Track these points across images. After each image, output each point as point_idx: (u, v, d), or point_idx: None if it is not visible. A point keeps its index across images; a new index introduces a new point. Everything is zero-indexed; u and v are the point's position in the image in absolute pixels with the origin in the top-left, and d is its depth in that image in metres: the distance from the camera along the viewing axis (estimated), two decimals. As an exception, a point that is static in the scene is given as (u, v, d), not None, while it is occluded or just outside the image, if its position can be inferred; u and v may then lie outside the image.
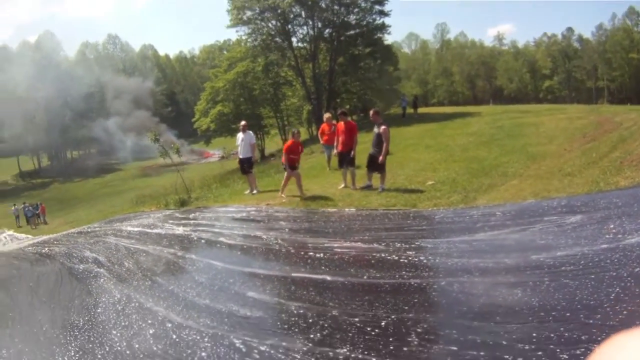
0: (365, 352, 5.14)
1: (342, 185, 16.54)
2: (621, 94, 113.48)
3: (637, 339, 0.82)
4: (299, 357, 5.22)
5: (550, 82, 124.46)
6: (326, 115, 22.06)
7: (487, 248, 8.21)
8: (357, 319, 5.94)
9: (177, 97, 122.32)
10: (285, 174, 16.36)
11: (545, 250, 7.55)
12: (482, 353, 4.80)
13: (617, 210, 9.33)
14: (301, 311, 6.45)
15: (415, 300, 6.39)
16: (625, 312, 5.23)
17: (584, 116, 31.28)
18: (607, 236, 7.82)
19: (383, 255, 8.44)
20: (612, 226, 8.27)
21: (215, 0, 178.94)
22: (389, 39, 68.99)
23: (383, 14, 59.05)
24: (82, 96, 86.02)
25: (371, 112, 16.86)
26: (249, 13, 56.50)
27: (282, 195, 16.39)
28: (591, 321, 5.16)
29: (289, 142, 16.38)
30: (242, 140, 18.57)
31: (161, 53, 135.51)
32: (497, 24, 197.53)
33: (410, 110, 53.55)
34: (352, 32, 58.30)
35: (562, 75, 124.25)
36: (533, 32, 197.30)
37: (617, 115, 28.36)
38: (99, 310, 7.67)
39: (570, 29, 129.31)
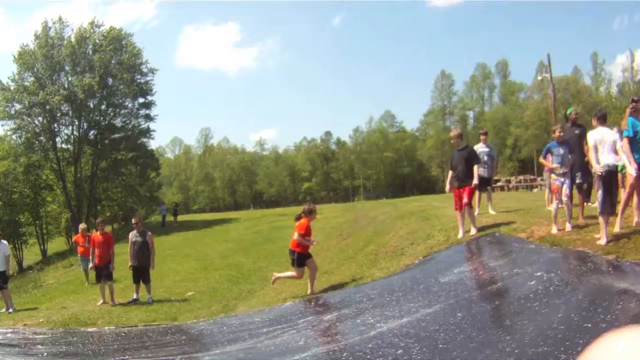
0: None
1: (101, 302, 15.86)
2: (377, 190, 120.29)
3: (624, 339, 0.86)
4: None
5: (309, 184, 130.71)
6: (81, 226, 21.52)
7: (245, 357, 8.27)
8: None
9: None
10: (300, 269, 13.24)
11: (301, 351, 7.74)
12: None
13: (370, 303, 9.76)
14: None
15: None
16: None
17: (340, 215, 32.57)
18: (360, 328, 8.17)
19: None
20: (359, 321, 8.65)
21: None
22: (152, 144, 68.80)
23: (149, 118, 59.72)
24: None
25: (135, 220, 16.82)
26: (17, 106, 54.04)
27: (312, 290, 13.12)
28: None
29: (305, 220, 13.38)
30: (-5, 252, 17.38)
31: None
32: (260, 129, 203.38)
33: (170, 218, 53.35)
34: (117, 135, 57.76)
35: (320, 176, 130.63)
36: (294, 136, 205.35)
37: (372, 211, 29.75)
38: None
39: (328, 133, 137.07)
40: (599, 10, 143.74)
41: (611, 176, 11.17)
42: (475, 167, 14.08)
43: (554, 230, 12.05)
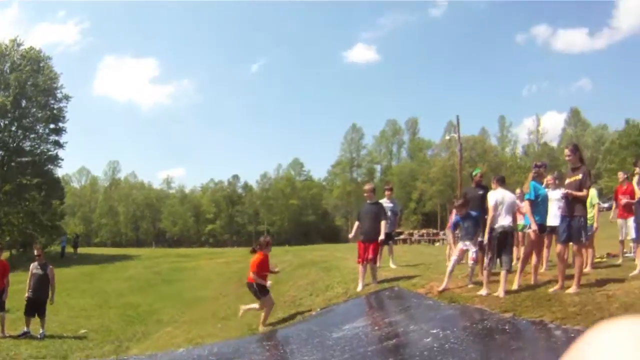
0: None
1: (-10, 331, 15.19)
2: (280, 237, 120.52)
3: (613, 330, 0.83)
4: None
5: (213, 226, 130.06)
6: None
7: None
8: None
9: None
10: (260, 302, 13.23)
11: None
12: None
13: (264, 355, 9.64)
14: None
15: None
16: None
17: (242, 260, 32.20)
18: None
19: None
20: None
21: None
22: (59, 172, 66.82)
23: (58, 145, 57.93)
24: None
25: (38, 252, 16.36)
26: None
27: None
28: None
29: (259, 255, 13.43)
30: None
31: None
32: (168, 168, 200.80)
33: (70, 250, 51.89)
34: (24, 159, 55.77)
35: (225, 219, 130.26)
36: (202, 177, 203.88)
37: (273, 257, 29.30)
38: None
39: (236, 176, 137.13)
40: (510, 77, 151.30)
41: (505, 236, 11.59)
42: (383, 223, 14.31)
43: (444, 285, 12.20)
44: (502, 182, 12.26)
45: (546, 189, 12.54)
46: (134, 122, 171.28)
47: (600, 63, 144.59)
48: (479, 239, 12.53)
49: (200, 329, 13.83)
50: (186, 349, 11.60)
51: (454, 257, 12.55)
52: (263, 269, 13.20)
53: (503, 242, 11.57)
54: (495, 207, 11.62)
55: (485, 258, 11.78)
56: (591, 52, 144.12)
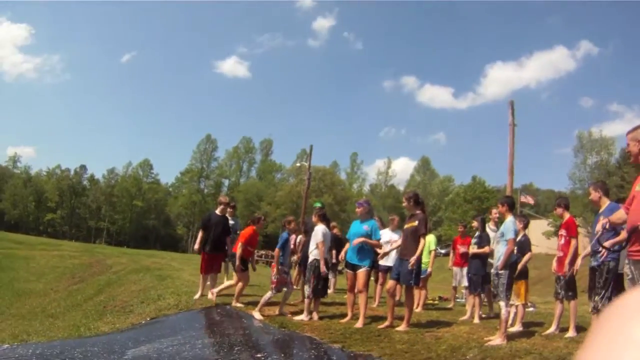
0: None
1: None
2: (120, 237, 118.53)
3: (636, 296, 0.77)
4: None
5: (53, 216, 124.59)
6: None
7: None
8: None
9: None
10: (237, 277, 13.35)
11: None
12: None
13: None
14: None
15: None
16: None
17: (77, 255, 31.24)
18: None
19: None
20: None
21: None
22: None
23: None
24: None
25: None
26: None
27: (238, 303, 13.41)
28: None
29: (250, 228, 13.47)
30: None
31: None
32: (19, 145, 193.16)
33: None
34: None
35: (66, 210, 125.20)
36: (50, 161, 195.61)
37: (109, 258, 28.85)
38: None
39: (83, 167, 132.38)
40: (370, 118, 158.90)
41: (318, 265, 12.00)
42: (228, 239, 14.59)
43: (258, 316, 12.20)
44: (323, 218, 12.61)
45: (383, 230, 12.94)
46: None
47: (458, 121, 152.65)
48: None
49: (28, 324, 13.25)
50: (10, 345, 10.97)
51: (270, 292, 12.56)
52: (251, 242, 13.27)
53: (314, 269, 12.07)
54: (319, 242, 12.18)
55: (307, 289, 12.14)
56: (452, 110, 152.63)
